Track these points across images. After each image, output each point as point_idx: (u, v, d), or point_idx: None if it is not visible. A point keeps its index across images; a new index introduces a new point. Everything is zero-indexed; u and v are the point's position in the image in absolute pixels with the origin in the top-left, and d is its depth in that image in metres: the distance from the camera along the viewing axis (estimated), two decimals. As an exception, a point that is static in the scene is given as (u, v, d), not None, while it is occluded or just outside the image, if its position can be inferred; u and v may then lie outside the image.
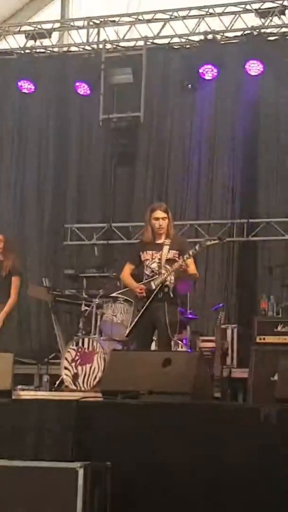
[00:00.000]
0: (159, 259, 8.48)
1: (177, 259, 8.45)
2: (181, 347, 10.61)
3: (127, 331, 9.07)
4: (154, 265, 8.51)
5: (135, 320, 8.56)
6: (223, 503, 6.10)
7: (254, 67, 12.85)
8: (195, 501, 6.17)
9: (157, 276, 8.45)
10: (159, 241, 8.56)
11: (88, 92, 13.61)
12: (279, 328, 10.76)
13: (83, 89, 13.64)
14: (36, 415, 6.81)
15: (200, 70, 13.07)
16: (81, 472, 5.97)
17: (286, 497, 5.97)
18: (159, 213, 8.58)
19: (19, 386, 10.33)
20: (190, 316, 11.48)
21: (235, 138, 13.26)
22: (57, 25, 14.64)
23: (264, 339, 10.80)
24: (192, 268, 8.57)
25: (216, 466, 6.25)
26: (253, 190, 13.15)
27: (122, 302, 10.78)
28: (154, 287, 8.44)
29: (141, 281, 8.59)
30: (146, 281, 8.53)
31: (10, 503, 6.05)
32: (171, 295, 8.48)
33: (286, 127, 12.97)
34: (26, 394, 9.89)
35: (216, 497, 6.13)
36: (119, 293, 10.92)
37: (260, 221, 13.03)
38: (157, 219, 8.56)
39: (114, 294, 11.06)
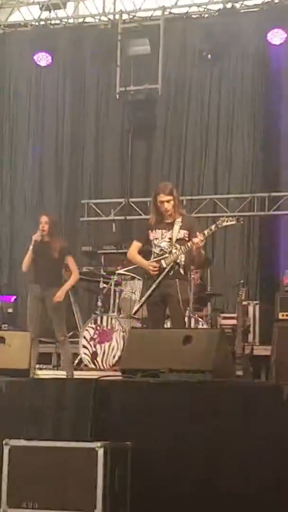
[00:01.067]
0: (170, 238, 8.54)
1: (186, 238, 8.51)
2: (202, 324, 10.64)
3: (135, 309, 9.19)
4: (164, 244, 8.55)
5: (145, 297, 8.66)
6: (244, 481, 6.13)
7: (276, 36, 12.79)
8: (216, 480, 6.21)
9: (167, 254, 8.50)
10: (168, 221, 8.60)
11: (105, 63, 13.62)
12: (303, 305, 10.81)
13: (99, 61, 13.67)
14: (55, 394, 6.85)
15: (220, 40, 13.03)
16: (100, 452, 6.01)
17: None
18: (163, 197, 8.61)
19: (37, 365, 10.37)
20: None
21: (256, 110, 13.23)
22: (71, -4, 14.66)
23: (287, 315, 10.83)
24: (200, 250, 8.63)
25: (237, 445, 6.29)
26: (275, 163, 13.11)
27: (140, 279, 10.80)
28: (165, 265, 8.49)
29: (148, 260, 8.66)
30: (156, 259, 8.58)
31: (31, 483, 6.12)
32: (182, 273, 8.55)
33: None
34: (45, 373, 9.93)
35: (236, 476, 6.16)
36: (125, 270, 10.95)
37: (282, 194, 13.00)
38: (162, 202, 8.61)
39: (120, 271, 11.08)
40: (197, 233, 8.42)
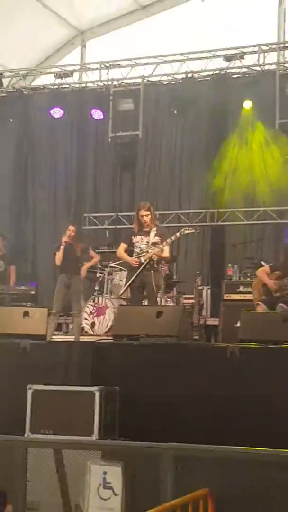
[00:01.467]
0: (147, 241, 8.59)
1: (159, 242, 8.57)
2: (170, 303, 10.63)
3: (121, 291, 9.23)
4: (143, 246, 8.61)
5: (128, 284, 8.72)
6: (202, 420, 6.14)
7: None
8: (182, 415, 6.22)
9: (145, 253, 8.55)
10: (146, 229, 8.65)
11: (101, 116, 13.55)
12: (241, 289, 10.80)
13: (97, 114, 13.60)
14: (64, 353, 6.84)
15: (183, 100, 13.01)
16: (97, 394, 6.02)
17: (250, 418, 6.00)
18: (143, 212, 8.69)
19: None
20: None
21: (208, 150, 13.19)
22: (77, 67, 14.56)
23: (230, 296, 10.84)
24: (165, 252, 8.65)
25: (195, 390, 6.29)
26: (222, 187, 13.10)
27: (125, 270, 10.77)
28: (143, 261, 8.54)
29: (131, 257, 8.70)
30: (137, 256, 8.62)
31: (47, 416, 6.11)
32: (155, 266, 8.60)
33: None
34: (57, 338, 9.90)
35: (191, 409, 6.17)
36: (116, 264, 10.92)
37: (227, 210, 13.00)
38: (142, 216, 8.65)
39: (111, 264, 11.05)
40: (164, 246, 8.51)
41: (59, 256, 10.04)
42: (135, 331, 6.87)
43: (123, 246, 8.87)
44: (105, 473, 5.02)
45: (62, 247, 10.01)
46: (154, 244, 8.58)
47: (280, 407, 5.99)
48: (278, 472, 4.80)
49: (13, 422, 6.15)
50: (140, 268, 8.53)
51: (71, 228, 10.17)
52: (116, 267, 10.91)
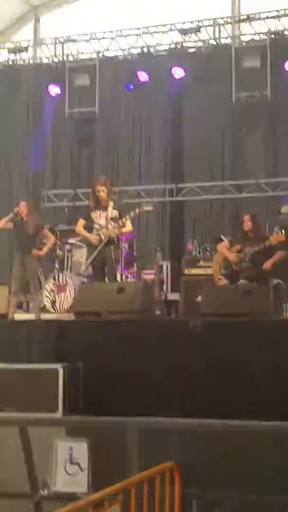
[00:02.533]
0: (106, 217, 8.56)
1: (118, 217, 8.56)
2: (131, 278, 10.65)
3: (83, 268, 9.19)
4: (101, 221, 8.57)
5: (89, 260, 8.70)
6: (166, 394, 6.18)
7: (177, 72, 12.78)
8: (145, 389, 6.26)
9: (104, 229, 8.52)
10: (104, 204, 8.62)
11: (59, 92, 13.43)
12: (201, 263, 10.86)
13: (53, 91, 13.48)
14: (27, 331, 6.82)
15: (138, 74, 12.96)
16: (61, 371, 6.02)
17: (213, 390, 6.06)
18: (99, 187, 8.65)
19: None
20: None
21: (165, 123, 13.17)
22: (31, 43, 14.38)
23: (190, 271, 10.90)
24: (128, 226, 8.64)
25: (158, 365, 6.34)
26: (180, 162, 13.12)
27: (85, 246, 10.73)
28: (103, 238, 8.52)
29: (91, 232, 8.67)
30: (96, 233, 8.60)
31: (11, 394, 6.10)
32: (116, 242, 8.59)
33: (204, 114, 12.88)
34: (18, 316, 9.85)
35: (160, 390, 6.21)
36: (78, 240, 10.87)
37: (185, 185, 13.04)
38: (98, 191, 8.62)
39: (71, 241, 11.00)
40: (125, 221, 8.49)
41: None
42: (97, 308, 6.89)
43: (81, 222, 8.83)
44: (71, 448, 5.05)
45: (6, 218, 9.76)
46: (112, 219, 8.57)
47: (242, 378, 6.08)
48: (240, 442, 4.89)
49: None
50: (101, 245, 8.51)
51: (23, 204, 9.99)
52: (76, 244, 10.86)
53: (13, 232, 9.94)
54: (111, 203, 8.65)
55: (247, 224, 8.68)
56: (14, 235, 10.01)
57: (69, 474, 5.03)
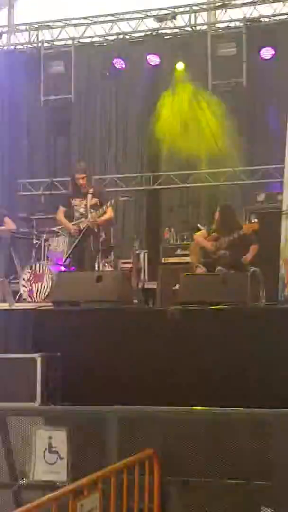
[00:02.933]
0: (85, 205, 8.56)
1: (98, 204, 8.57)
2: (108, 267, 10.65)
3: (65, 258, 9.19)
4: (82, 210, 8.58)
5: (70, 250, 8.70)
6: (144, 382, 6.23)
7: (153, 59, 12.76)
8: (124, 378, 6.30)
9: (83, 218, 8.53)
10: (84, 191, 8.61)
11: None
12: (178, 252, 10.90)
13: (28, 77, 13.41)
14: (3, 321, 6.82)
15: (114, 62, 12.93)
16: (39, 360, 6.05)
17: (190, 378, 6.12)
18: (78, 174, 8.64)
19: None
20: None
21: (142, 111, 13.15)
22: (5, 29, 14.28)
23: (167, 259, 10.93)
24: (109, 213, 8.66)
25: (136, 353, 6.38)
26: (155, 150, 13.11)
27: (63, 235, 10.71)
28: (82, 227, 8.53)
29: (71, 220, 8.67)
30: (76, 222, 8.59)
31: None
32: (95, 231, 8.61)
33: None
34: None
35: (138, 378, 6.26)
36: (57, 229, 10.86)
37: (161, 174, 13.04)
38: (77, 178, 8.62)
39: (53, 229, 10.98)
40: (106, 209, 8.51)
41: None
42: (75, 297, 6.90)
43: (62, 210, 8.82)
44: (50, 437, 5.07)
45: None
46: (92, 206, 8.57)
47: (219, 366, 6.13)
48: (218, 429, 4.95)
49: None
50: (80, 235, 8.51)
51: None
52: (57, 231, 10.82)
53: None
54: (90, 190, 8.65)
55: (217, 215, 8.83)
56: None
57: (48, 463, 5.05)
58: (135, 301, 10.24)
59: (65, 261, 9.37)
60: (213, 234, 8.72)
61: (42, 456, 5.04)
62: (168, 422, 5.03)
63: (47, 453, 5.04)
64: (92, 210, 8.54)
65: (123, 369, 6.31)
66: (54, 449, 5.04)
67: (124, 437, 4.84)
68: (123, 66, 12.95)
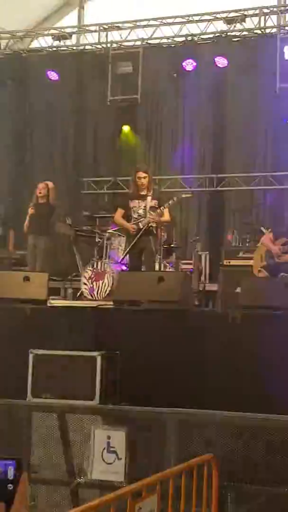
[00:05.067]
0: (144, 206, 8.48)
1: (157, 206, 8.49)
2: (169, 268, 10.59)
3: (122, 257, 9.16)
4: (141, 211, 8.51)
5: (128, 249, 8.67)
6: (203, 385, 6.14)
7: (221, 61, 12.64)
8: (182, 380, 6.22)
9: (143, 219, 8.47)
10: (143, 193, 8.54)
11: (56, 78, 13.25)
12: (240, 254, 10.76)
13: (52, 76, 13.40)
14: (65, 317, 6.82)
15: (183, 63, 12.86)
16: (99, 358, 6.01)
17: (251, 383, 6.01)
18: (141, 174, 8.55)
19: (51, 297, 10.26)
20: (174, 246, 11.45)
21: (208, 116, 13.06)
22: (75, 29, 14.34)
23: (229, 262, 10.80)
24: (166, 215, 8.59)
25: (196, 355, 6.29)
26: (221, 153, 13.00)
27: (124, 236, 10.69)
28: (142, 227, 8.47)
29: (129, 221, 8.63)
30: (135, 222, 8.53)
31: (48, 380, 6.09)
32: (154, 232, 8.54)
33: (245, 107, 12.76)
34: (57, 302, 9.86)
35: (197, 381, 6.17)
36: (115, 230, 10.84)
37: (225, 176, 12.92)
38: (139, 178, 8.52)
39: (110, 231, 10.96)
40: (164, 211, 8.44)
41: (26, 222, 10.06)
42: (137, 297, 6.85)
43: (120, 211, 8.77)
44: (109, 437, 5.03)
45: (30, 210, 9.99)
46: (151, 208, 8.50)
47: (281, 371, 6.00)
48: (280, 436, 4.83)
49: (15, 387, 6.15)
50: (138, 235, 8.46)
51: (40, 186, 10.15)
52: (115, 233, 10.82)
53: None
54: (150, 192, 8.59)
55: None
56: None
57: (106, 463, 5.01)
58: (196, 303, 10.16)
59: (121, 260, 9.33)
60: (281, 238, 8.57)
61: (100, 455, 5.00)
62: (228, 427, 4.93)
63: (105, 453, 5.00)
64: (151, 212, 8.48)
65: (182, 370, 6.23)
66: (112, 449, 4.99)
67: (182, 440, 4.76)
68: (194, 67, 12.85)
